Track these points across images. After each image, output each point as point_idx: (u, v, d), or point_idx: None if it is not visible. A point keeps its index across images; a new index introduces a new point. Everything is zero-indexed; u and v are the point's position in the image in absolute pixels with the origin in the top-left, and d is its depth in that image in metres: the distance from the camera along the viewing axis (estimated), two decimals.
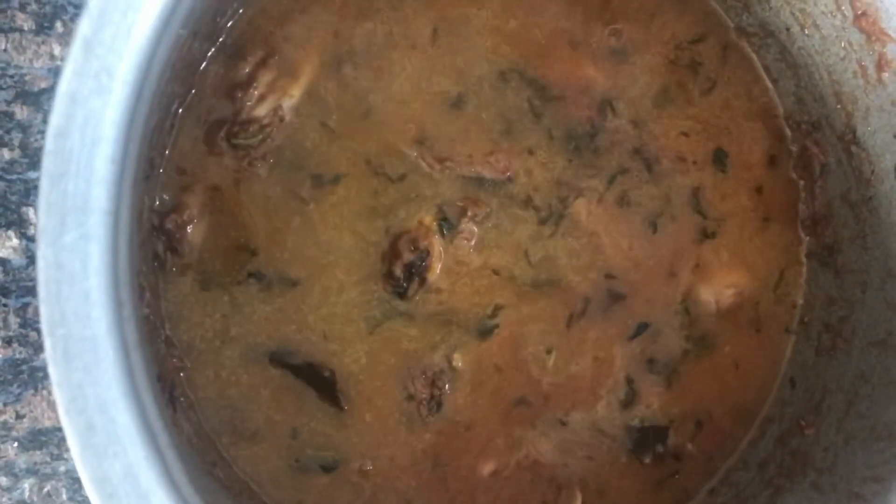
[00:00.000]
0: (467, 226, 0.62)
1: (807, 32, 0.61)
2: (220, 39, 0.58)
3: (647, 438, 0.64)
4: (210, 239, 0.59)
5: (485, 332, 0.62)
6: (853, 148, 0.61)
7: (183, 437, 0.49)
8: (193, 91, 0.57)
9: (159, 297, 0.57)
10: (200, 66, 0.57)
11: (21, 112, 0.64)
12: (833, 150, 0.63)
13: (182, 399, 0.55)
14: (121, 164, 0.40)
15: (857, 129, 0.60)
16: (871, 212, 0.61)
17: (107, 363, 0.40)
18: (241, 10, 0.59)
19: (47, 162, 0.38)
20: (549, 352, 0.63)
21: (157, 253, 0.57)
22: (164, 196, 0.58)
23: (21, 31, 0.64)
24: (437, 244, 0.61)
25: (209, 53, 0.57)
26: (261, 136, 0.59)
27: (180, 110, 0.57)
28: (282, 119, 0.59)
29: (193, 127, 0.58)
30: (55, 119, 0.38)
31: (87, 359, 0.39)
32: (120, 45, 0.39)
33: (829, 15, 0.58)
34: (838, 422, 0.60)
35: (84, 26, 0.38)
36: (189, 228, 0.58)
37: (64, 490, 0.65)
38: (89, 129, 0.39)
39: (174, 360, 0.56)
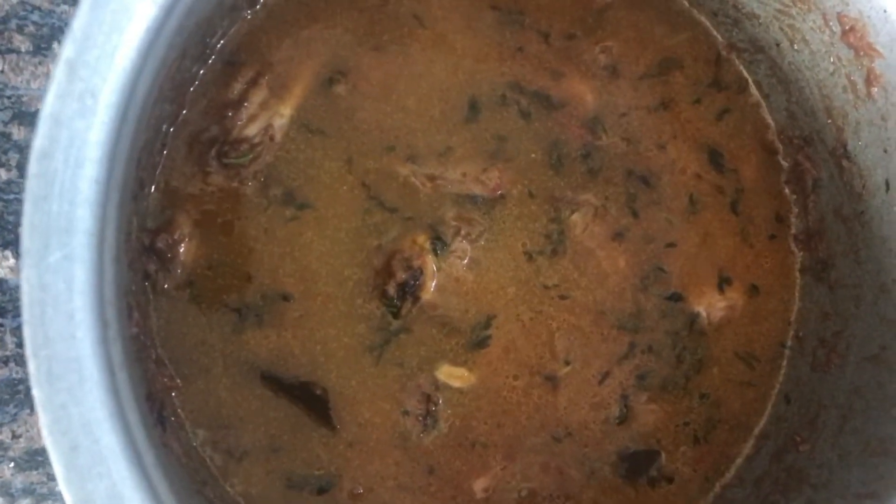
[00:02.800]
0: (460, 244, 0.62)
1: (796, 48, 0.61)
2: (211, 59, 0.58)
3: (639, 462, 0.63)
4: (201, 258, 0.59)
5: (478, 346, 0.62)
6: (844, 162, 0.61)
7: (172, 457, 0.49)
8: (184, 111, 0.58)
9: (149, 317, 0.57)
10: (191, 86, 0.57)
11: (18, 133, 0.64)
12: (825, 165, 0.63)
13: (172, 418, 0.55)
14: (105, 184, 0.40)
15: (847, 144, 0.60)
16: (864, 226, 0.61)
17: (91, 383, 0.40)
18: (231, 29, 0.59)
19: (31, 184, 0.38)
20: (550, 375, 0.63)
21: (147, 272, 0.57)
22: (155, 215, 0.58)
23: (18, 52, 0.64)
24: (430, 263, 0.61)
25: (199, 73, 0.58)
26: (251, 156, 0.59)
27: (171, 130, 0.57)
28: (272, 138, 0.59)
29: (184, 146, 0.58)
30: (39, 141, 0.38)
31: (71, 379, 0.39)
32: (104, 67, 0.39)
33: (818, 30, 0.58)
34: (833, 437, 0.60)
35: (67, 48, 0.39)
36: (180, 247, 0.58)
37: None
38: (73, 151, 0.39)
39: (164, 379, 0.56)
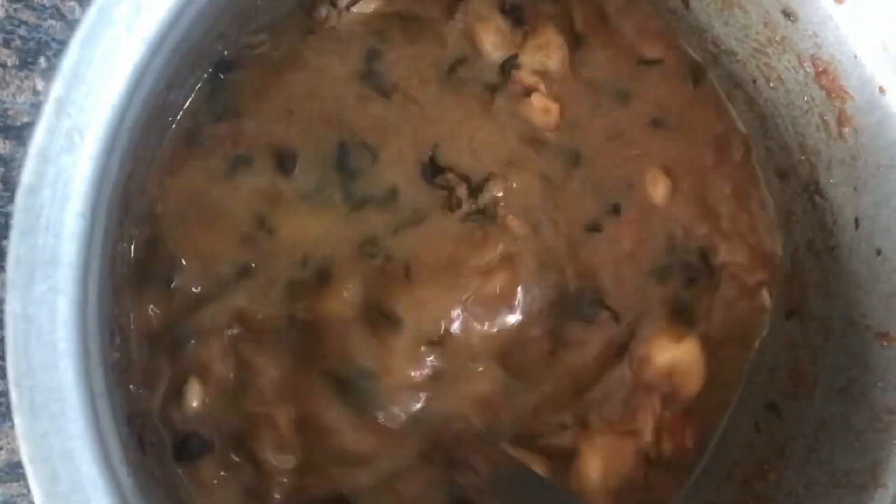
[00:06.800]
0: None
1: (772, 85, 0.62)
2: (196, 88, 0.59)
3: None
4: None
5: None
6: (817, 198, 0.62)
7: (152, 481, 0.50)
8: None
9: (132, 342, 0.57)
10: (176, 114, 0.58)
11: (3, 146, 0.65)
12: (798, 199, 0.64)
13: (153, 440, 0.55)
14: (91, 218, 0.41)
15: (819, 180, 0.61)
16: (835, 260, 0.62)
17: (73, 413, 0.40)
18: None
19: (17, 217, 0.39)
20: None
21: None
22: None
23: (4, 66, 0.65)
24: None
25: (184, 104, 0.58)
26: None
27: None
28: None
29: None
30: (26, 177, 0.39)
31: (53, 409, 0.40)
32: (92, 104, 0.40)
33: (793, 70, 0.59)
34: (800, 467, 0.61)
35: (57, 86, 0.39)
36: None
37: None
38: (60, 186, 0.40)
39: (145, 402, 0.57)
